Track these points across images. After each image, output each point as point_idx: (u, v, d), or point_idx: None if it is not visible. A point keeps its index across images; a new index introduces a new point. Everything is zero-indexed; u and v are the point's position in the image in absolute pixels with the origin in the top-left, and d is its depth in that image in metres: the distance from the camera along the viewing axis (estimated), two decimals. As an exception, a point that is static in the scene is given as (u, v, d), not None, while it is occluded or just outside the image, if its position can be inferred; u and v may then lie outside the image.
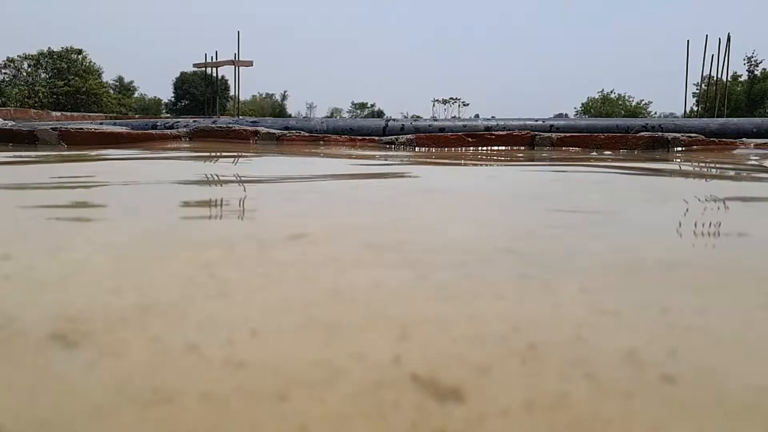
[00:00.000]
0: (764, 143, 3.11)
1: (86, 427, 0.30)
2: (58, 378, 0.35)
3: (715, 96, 11.88)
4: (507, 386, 0.34)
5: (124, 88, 33.72)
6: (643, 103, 32.44)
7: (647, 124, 3.54)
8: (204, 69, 14.44)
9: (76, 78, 23.69)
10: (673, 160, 2.51)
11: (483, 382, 0.35)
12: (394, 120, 3.75)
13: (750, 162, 2.44)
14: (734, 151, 2.96)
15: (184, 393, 0.33)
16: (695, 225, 0.92)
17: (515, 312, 0.47)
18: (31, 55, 23.77)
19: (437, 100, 46.31)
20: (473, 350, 0.39)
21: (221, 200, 1.16)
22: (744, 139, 3.24)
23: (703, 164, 2.35)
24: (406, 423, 0.30)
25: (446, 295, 0.51)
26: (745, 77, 25.95)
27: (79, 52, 24.93)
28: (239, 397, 0.33)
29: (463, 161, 2.39)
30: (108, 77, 29.33)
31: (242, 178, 1.60)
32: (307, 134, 3.27)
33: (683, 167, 2.25)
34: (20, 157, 2.33)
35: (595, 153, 2.93)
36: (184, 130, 3.20)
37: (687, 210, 1.11)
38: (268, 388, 0.34)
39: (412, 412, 0.31)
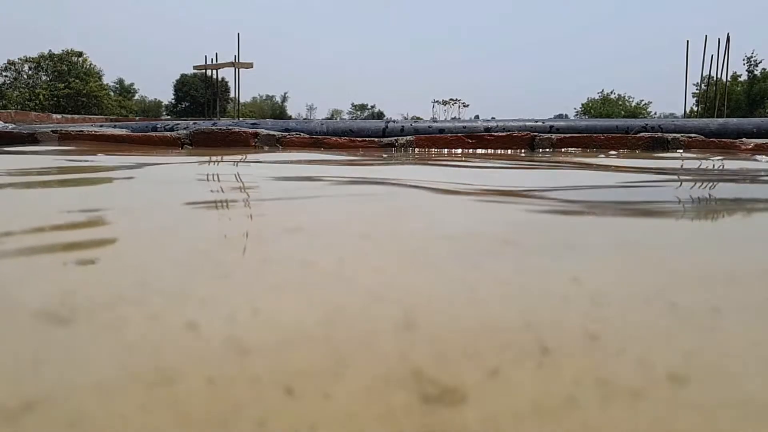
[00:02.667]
0: (764, 143, 3.11)
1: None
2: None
3: (715, 96, 11.88)
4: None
5: (125, 91, 33.73)
6: (643, 103, 32.37)
7: (647, 124, 3.54)
8: (204, 71, 14.45)
9: (77, 80, 23.69)
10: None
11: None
12: (394, 121, 3.75)
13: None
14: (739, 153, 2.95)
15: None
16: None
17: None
18: (32, 58, 23.78)
19: (437, 101, 46.28)
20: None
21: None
22: (744, 139, 3.24)
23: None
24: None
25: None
26: (744, 77, 25.93)
27: (80, 54, 24.94)
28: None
29: (462, 162, 2.39)
30: (108, 79, 29.37)
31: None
32: (306, 136, 3.27)
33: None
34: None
35: (602, 155, 2.93)
36: (184, 132, 3.20)
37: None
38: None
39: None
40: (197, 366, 0.37)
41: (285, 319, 0.45)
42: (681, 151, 3.06)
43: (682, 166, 2.31)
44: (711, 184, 1.69)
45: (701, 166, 2.26)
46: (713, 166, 2.26)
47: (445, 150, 3.12)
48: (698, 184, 1.67)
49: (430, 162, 2.39)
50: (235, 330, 0.43)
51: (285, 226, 0.85)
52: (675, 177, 1.85)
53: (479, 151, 3.10)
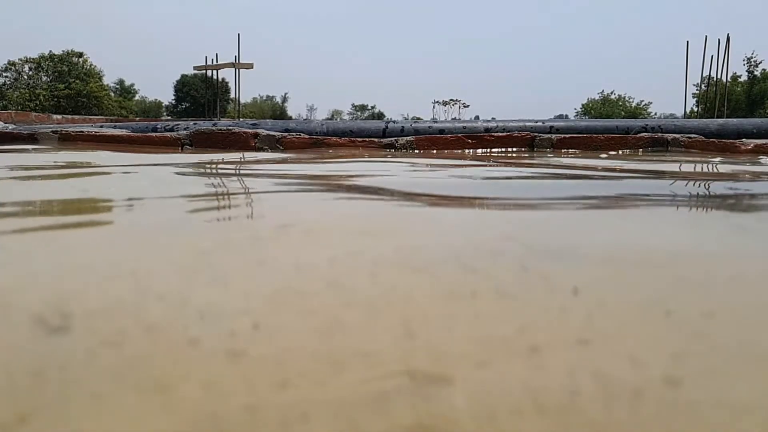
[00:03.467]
0: (764, 143, 3.11)
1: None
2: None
3: (715, 96, 11.89)
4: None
5: (125, 91, 33.75)
6: (644, 103, 32.42)
7: (647, 125, 3.54)
8: (204, 71, 14.46)
9: (77, 81, 23.70)
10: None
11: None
12: (394, 122, 3.75)
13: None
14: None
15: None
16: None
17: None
18: (32, 59, 23.79)
19: (437, 102, 46.27)
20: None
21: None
22: (744, 139, 3.24)
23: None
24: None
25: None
26: (744, 78, 25.94)
27: (80, 55, 24.95)
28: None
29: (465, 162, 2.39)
30: (109, 80, 29.32)
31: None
32: (306, 137, 3.27)
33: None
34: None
35: (604, 155, 2.93)
36: (184, 132, 3.21)
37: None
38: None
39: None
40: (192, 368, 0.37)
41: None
42: (682, 150, 3.06)
43: (679, 168, 2.31)
44: (658, 183, 1.70)
45: (682, 168, 2.26)
46: (694, 168, 2.27)
47: (445, 150, 3.12)
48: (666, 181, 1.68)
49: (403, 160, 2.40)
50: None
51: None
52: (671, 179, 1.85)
53: (479, 151, 3.10)
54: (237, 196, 1.30)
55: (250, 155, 2.75)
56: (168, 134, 3.24)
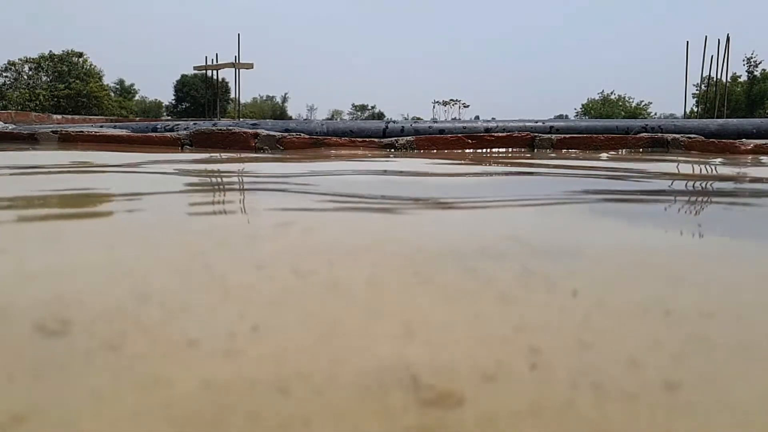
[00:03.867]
0: (764, 143, 3.11)
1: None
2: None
3: (715, 97, 11.89)
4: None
5: (125, 91, 33.74)
6: (644, 104, 32.41)
7: (647, 125, 3.54)
8: (204, 71, 14.46)
9: (77, 81, 23.69)
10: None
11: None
12: (394, 122, 3.75)
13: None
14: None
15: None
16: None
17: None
18: (32, 59, 23.78)
19: (438, 102, 46.25)
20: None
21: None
22: (744, 139, 3.24)
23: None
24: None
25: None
26: (744, 78, 25.94)
27: (80, 55, 24.94)
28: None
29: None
30: (109, 80, 29.29)
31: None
32: (306, 137, 3.27)
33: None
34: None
35: (604, 155, 2.93)
36: (185, 132, 3.21)
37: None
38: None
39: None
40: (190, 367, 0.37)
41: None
42: (682, 150, 3.06)
43: (678, 168, 2.31)
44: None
45: (660, 170, 2.26)
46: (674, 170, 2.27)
47: (445, 150, 3.12)
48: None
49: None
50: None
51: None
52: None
53: (479, 151, 3.10)
54: (233, 192, 1.30)
55: (249, 155, 2.75)
56: (168, 134, 3.24)
